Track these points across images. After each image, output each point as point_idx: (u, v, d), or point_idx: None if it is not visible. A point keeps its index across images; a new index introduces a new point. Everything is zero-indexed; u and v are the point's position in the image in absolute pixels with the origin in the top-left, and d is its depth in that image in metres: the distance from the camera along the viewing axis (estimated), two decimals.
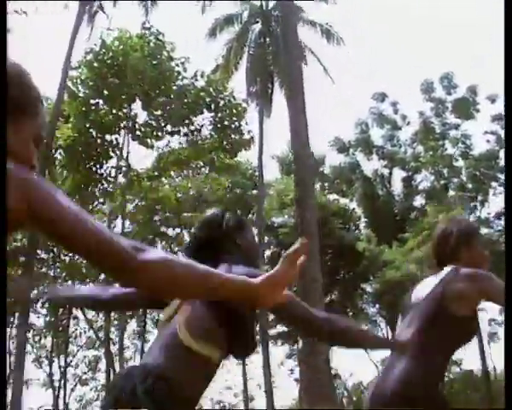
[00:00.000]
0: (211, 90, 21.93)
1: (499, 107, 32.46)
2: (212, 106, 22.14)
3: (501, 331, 32.94)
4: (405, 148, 33.80)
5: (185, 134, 23.69)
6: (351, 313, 31.12)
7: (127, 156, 25.29)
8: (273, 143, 64.78)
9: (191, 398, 2.70)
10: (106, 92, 22.66)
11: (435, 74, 34.07)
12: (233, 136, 22.71)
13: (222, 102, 22.16)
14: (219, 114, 22.29)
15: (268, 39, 28.78)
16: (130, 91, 21.87)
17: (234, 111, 22.34)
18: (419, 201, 33.38)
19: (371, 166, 33.85)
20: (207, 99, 21.99)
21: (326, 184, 36.10)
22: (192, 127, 23.10)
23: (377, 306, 31.64)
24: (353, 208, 34.44)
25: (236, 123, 22.72)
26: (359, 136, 33.11)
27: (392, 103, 33.35)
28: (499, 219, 32.14)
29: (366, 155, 33.32)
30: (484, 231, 31.89)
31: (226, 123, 22.38)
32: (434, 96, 33.01)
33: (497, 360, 33.88)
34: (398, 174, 33.90)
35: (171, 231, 29.37)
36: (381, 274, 26.87)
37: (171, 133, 23.92)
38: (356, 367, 39.95)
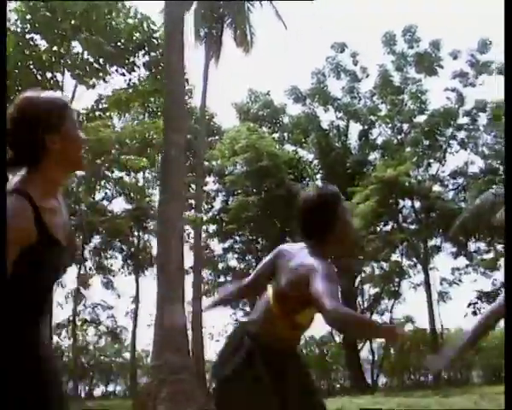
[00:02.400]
0: (144, 28, 21.10)
1: (461, 63, 31.89)
2: (146, 45, 21.37)
3: (452, 291, 32.72)
4: (364, 101, 33.07)
5: (122, 74, 22.95)
6: None
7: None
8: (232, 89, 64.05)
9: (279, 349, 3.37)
10: (37, 26, 21.83)
11: (398, 27, 33.16)
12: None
13: (156, 42, 21.34)
14: (152, 54, 21.55)
15: None
16: (60, 26, 21.05)
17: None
18: (375, 155, 32.79)
19: (328, 117, 33.22)
20: (139, 37, 21.21)
21: (285, 134, 35.55)
22: (127, 68, 22.35)
23: None
24: (308, 160, 33.98)
25: None
26: (316, 86, 32.30)
27: (352, 54, 32.48)
28: (454, 178, 31.73)
29: (323, 105, 32.57)
30: (438, 189, 31.56)
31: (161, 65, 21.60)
32: (396, 50, 32.22)
33: (446, 320, 33.91)
34: (356, 127, 33.27)
35: (114, 175, 28.90)
36: None
37: (107, 73, 23.19)
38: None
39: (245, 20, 27.82)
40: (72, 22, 21.56)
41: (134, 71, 23.15)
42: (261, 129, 33.35)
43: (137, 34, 21.43)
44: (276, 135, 35.16)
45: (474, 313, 30.45)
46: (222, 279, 33.54)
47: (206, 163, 32.32)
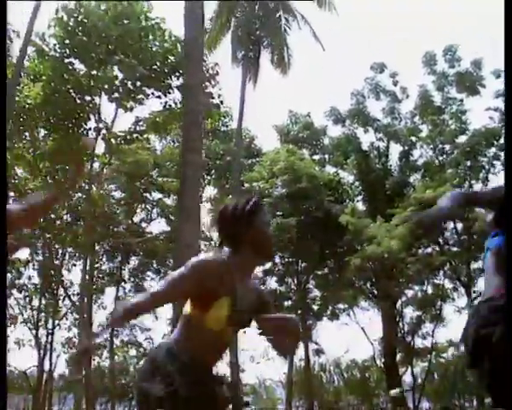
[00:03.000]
0: (178, 50, 21.23)
1: (502, 83, 31.33)
2: (180, 68, 21.49)
3: None
4: (405, 121, 32.74)
5: (158, 97, 23.15)
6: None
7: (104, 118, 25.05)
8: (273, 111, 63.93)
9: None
10: (76, 51, 22.18)
11: (438, 47, 32.82)
12: (205, 99, 22.06)
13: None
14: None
15: (258, 4, 28.02)
16: (96, 50, 21.35)
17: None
18: (415, 177, 32.38)
19: (368, 138, 32.97)
20: (173, 60, 21.36)
21: (326, 156, 35.38)
22: (163, 90, 22.54)
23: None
24: (349, 181, 33.76)
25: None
26: (355, 107, 32.10)
27: (392, 74, 32.23)
28: None
29: (362, 127, 32.35)
30: (480, 210, 30.93)
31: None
32: (436, 70, 31.86)
33: None
34: (396, 148, 32.93)
35: (152, 196, 29.08)
36: (361, 249, 26.13)
37: (144, 95, 23.42)
38: (352, 344, 39.32)
39: (282, 42, 27.85)
40: (108, 46, 21.83)
41: (169, 93, 23.31)
42: (301, 151, 33.33)
43: (172, 57, 21.59)
44: (316, 157, 35.09)
45: None
46: None
47: (247, 185, 32.39)
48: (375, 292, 31.46)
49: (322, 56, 72.31)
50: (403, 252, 25.97)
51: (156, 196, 29.44)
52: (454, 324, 32.21)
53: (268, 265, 32.97)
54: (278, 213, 30.73)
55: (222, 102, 22.66)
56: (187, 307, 3.33)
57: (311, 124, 34.79)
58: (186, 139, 15.69)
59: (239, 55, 27.80)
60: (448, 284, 32.09)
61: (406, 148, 32.44)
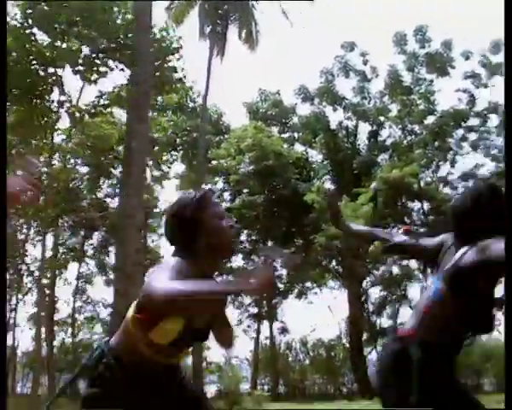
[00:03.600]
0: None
1: (473, 64, 31.36)
2: None
3: None
4: (374, 101, 32.57)
5: (122, 70, 22.67)
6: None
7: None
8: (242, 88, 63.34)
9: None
10: (38, 21, 21.64)
11: (409, 27, 32.65)
12: (167, 73, 21.67)
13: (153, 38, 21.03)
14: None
15: None
16: (58, 20, 20.84)
17: (165, 47, 21.24)
18: (384, 157, 32.27)
19: (337, 117, 32.79)
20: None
21: (295, 134, 35.15)
22: (126, 63, 22.05)
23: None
24: (317, 160, 33.61)
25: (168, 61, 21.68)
26: (324, 85, 31.87)
27: (362, 54, 32.02)
28: (464, 180, 31.10)
29: (331, 105, 32.14)
30: (447, 191, 31.00)
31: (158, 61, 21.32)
32: (407, 50, 31.72)
33: None
34: (366, 128, 32.80)
35: (117, 171, 28.70)
36: (326, 228, 25.98)
37: (110, 68, 22.92)
38: (319, 323, 39.41)
39: (250, 17, 27.49)
40: (71, 17, 21.33)
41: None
42: (270, 129, 33.08)
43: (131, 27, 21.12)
44: (285, 135, 34.83)
45: None
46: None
47: (214, 162, 32.14)
48: (342, 271, 31.42)
49: (292, 34, 71.89)
50: None
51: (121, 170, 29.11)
52: None
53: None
54: (245, 190, 30.56)
55: (185, 76, 22.23)
56: (129, 312, 2.97)
57: (280, 102, 34.49)
58: (133, 108, 15.35)
59: (206, 30, 27.39)
60: (414, 265, 32.23)
61: (375, 127, 32.35)
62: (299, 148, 34.07)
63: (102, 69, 23.54)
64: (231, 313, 33.39)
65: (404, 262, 31.24)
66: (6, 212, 2.11)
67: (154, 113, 28.78)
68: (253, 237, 32.21)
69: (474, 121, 31.02)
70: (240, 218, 29.15)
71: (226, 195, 32.53)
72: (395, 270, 31.75)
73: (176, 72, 22.24)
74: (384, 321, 32.32)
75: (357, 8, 68.80)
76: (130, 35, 21.07)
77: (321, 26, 63.88)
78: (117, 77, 24.05)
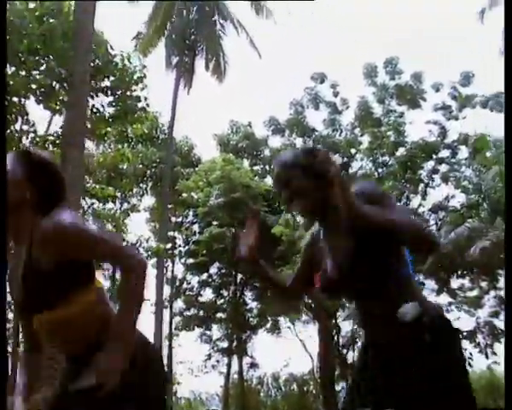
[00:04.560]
0: (101, 51, 20.48)
1: (443, 96, 31.31)
2: (105, 70, 20.76)
3: None
4: (346, 133, 32.39)
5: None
6: None
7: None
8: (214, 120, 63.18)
9: None
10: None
11: (379, 58, 32.63)
12: (129, 102, 21.33)
13: (115, 66, 20.71)
14: (111, 78, 20.92)
15: (193, 8, 27.45)
16: (19, 49, 20.48)
17: (127, 76, 20.91)
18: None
19: None
20: (99, 61, 20.59)
21: (267, 167, 34.85)
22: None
23: None
24: None
25: (132, 90, 21.36)
26: (294, 117, 31.66)
27: (332, 85, 31.87)
28: (435, 212, 30.94)
29: (301, 137, 31.92)
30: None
31: (121, 90, 21.00)
32: (377, 81, 31.65)
33: None
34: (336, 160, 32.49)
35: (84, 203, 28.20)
36: (293, 260, 25.64)
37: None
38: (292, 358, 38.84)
39: (217, 48, 27.34)
40: (32, 45, 20.99)
41: (97, 96, 22.49)
42: (242, 161, 32.78)
43: (97, 58, 20.82)
44: (257, 167, 34.54)
45: None
46: (201, 314, 32.83)
47: (185, 195, 31.78)
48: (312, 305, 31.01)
49: (264, 65, 71.94)
50: None
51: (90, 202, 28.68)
52: None
53: (204, 276, 32.34)
54: (214, 222, 30.20)
55: (148, 104, 21.90)
56: None
57: (251, 134, 34.19)
58: (67, 133, 14.93)
59: (174, 61, 27.19)
60: None
61: (346, 159, 32.09)
62: (270, 181, 33.76)
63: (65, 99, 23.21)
64: (200, 348, 32.94)
65: None
66: (6, 214, 2.17)
67: (122, 144, 28.53)
68: (223, 271, 31.76)
69: (444, 153, 30.92)
70: (208, 250, 28.78)
71: (195, 227, 32.13)
72: None
73: (139, 101, 21.91)
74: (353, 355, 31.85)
75: (327, 40, 69.11)
76: (94, 62, 20.76)
77: (291, 57, 64.20)
78: None
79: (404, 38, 60.27)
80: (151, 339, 2.91)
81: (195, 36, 27.09)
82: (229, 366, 33.41)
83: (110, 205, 30.32)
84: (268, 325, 33.85)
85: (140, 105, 21.85)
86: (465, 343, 29.75)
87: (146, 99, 21.67)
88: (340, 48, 66.13)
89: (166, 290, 32.53)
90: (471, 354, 29.61)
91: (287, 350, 46.54)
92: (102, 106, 22.75)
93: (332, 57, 60.07)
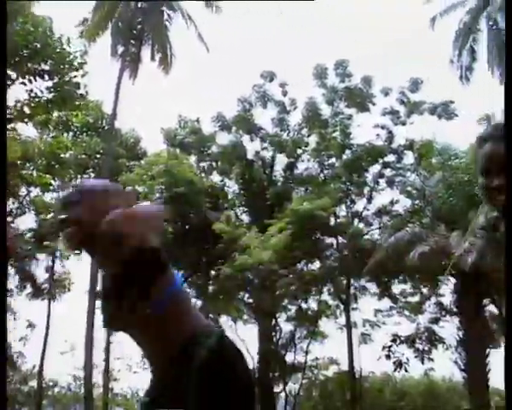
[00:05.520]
0: (39, 32, 19.87)
1: (391, 101, 31.27)
2: (43, 52, 20.14)
3: (374, 333, 31.66)
4: (294, 133, 32.16)
5: (22, 83, 21.67)
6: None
7: None
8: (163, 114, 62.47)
9: None
10: None
11: (330, 60, 32.39)
12: (67, 88, 20.73)
13: (53, 48, 20.09)
14: (50, 62, 20.29)
15: None
16: None
17: (66, 61, 20.34)
18: (300, 190, 31.77)
19: (255, 147, 32.22)
20: (34, 44, 19.97)
21: (213, 163, 34.42)
22: (27, 76, 21.09)
23: None
24: (235, 190, 32.96)
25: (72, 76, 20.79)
26: (241, 114, 31.31)
27: (281, 84, 31.60)
28: (379, 216, 30.88)
29: (248, 134, 31.58)
30: (361, 226, 30.76)
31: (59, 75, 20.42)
32: (327, 83, 31.46)
33: (367, 363, 32.89)
34: (283, 159, 32.30)
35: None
36: (231, 259, 25.31)
37: (11, 80, 21.87)
38: None
39: (164, 38, 26.81)
40: None
41: (35, 80, 21.84)
42: (188, 156, 32.26)
43: (34, 40, 20.20)
44: (205, 164, 34.05)
45: (388, 357, 29.58)
46: None
47: (128, 187, 31.14)
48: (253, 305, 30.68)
49: (213, 60, 71.39)
50: (276, 264, 25.19)
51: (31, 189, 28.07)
52: (338, 341, 31.87)
53: None
54: None
55: (87, 92, 21.37)
56: None
57: (198, 129, 33.66)
58: None
59: (119, 50, 26.60)
60: (331, 301, 31.87)
61: (292, 160, 31.87)
62: (216, 177, 33.38)
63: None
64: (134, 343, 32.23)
65: (315, 297, 30.90)
66: (6, 218, 1.93)
67: (67, 132, 27.88)
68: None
69: (390, 158, 30.88)
70: None
71: None
72: (307, 305, 31.33)
73: (78, 88, 21.33)
74: (299, 356, 31.68)
75: (279, 38, 68.88)
76: (31, 44, 20.18)
77: (242, 54, 63.92)
78: (18, 91, 22.94)
79: (357, 39, 60.41)
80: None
81: (142, 25, 26.60)
82: None
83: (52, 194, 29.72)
84: None
85: (80, 92, 21.24)
86: (403, 348, 29.85)
87: (85, 86, 21.09)
88: (291, 47, 65.76)
89: None
90: (408, 359, 29.69)
91: None
92: (41, 91, 22.14)
93: (283, 56, 59.84)
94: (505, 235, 2.36)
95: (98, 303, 27.47)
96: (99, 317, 28.76)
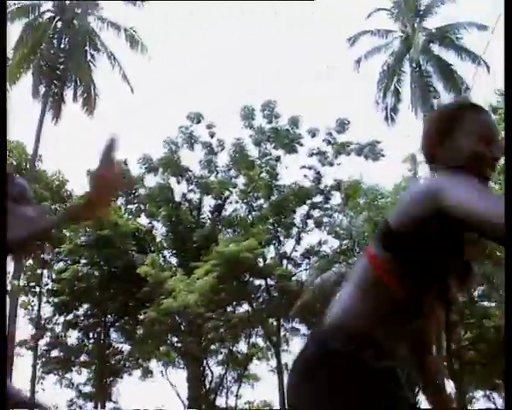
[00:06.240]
0: None
1: (318, 141, 31.39)
2: None
3: None
4: (222, 174, 31.98)
5: None
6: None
7: None
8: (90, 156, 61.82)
9: None
10: None
11: (257, 101, 32.42)
12: None
13: None
14: None
15: (65, 36, 26.49)
16: None
17: None
18: (228, 231, 31.50)
19: (182, 189, 31.92)
20: None
21: (141, 206, 33.93)
22: None
23: None
24: (163, 233, 32.50)
25: None
26: (168, 155, 31.02)
27: (208, 125, 31.48)
28: (307, 257, 30.77)
29: (174, 176, 31.27)
30: (290, 267, 30.64)
31: None
32: (254, 124, 31.46)
33: None
34: (211, 201, 32.10)
35: None
36: (157, 302, 24.82)
37: None
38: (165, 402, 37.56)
39: (88, 79, 26.41)
40: None
41: None
42: (116, 199, 31.73)
43: None
44: (132, 206, 33.55)
45: None
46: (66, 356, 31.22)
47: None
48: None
49: (139, 101, 70.94)
50: (202, 308, 24.81)
51: None
52: (269, 383, 31.52)
53: (70, 316, 30.82)
54: (83, 260, 29.11)
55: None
56: None
57: (125, 171, 33.18)
58: None
59: (42, 90, 26.06)
60: (262, 343, 31.58)
61: (220, 201, 31.68)
62: (144, 220, 32.88)
63: None
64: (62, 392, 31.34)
65: (254, 340, 30.67)
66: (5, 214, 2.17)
67: None
68: (88, 312, 30.41)
69: (318, 198, 30.94)
70: (71, 290, 27.65)
71: (61, 264, 30.68)
72: (239, 348, 31.00)
73: None
74: (224, 401, 31.13)
75: (204, 79, 68.97)
76: None
77: (166, 95, 63.89)
78: None
79: (282, 81, 60.91)
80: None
81: (66, 65, 26.16)
82: None
83: None
84: (139, 370, 32.59)
85: None
86: None
87: None
88: (219, 88, 65.94)
89: (31, 331, 31.06)
90: None
91: (159, 395, 45.25)
92: None
93: (210, 97, 59.78)
94: (505, 235, 2.24)
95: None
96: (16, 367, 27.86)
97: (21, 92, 29.97)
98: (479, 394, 31.89)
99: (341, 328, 2.16)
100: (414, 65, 29.84)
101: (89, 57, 26.46)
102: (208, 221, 31.90)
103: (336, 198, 30.83)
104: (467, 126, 2.26)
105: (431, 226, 2.03)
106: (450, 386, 28.19)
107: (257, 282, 29.70)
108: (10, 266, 26.75)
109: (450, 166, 2.22)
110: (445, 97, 28.77)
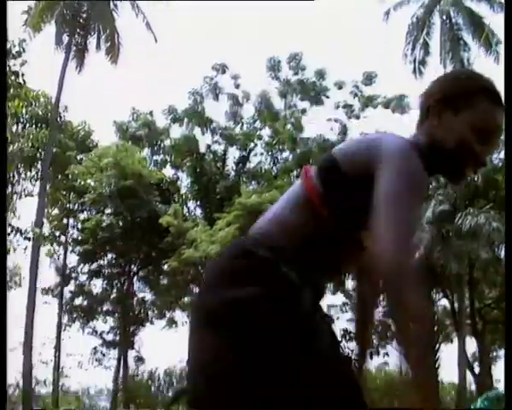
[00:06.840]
0: None
1: (345, 94, 31.07)
2: None
3: None
4: (247, 126, 31.82)
5: None
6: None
7: None
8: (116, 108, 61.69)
9: None
10: None
11: (283, 53, 32.06)
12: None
13: None
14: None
15: None
16: None
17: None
18: (252, 183, 31.43)
19: (207, 140, 31.81)
20: None
21: (167, 157, 33.91)
22: None
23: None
24: (188, 183, 32.53)
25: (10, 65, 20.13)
26: (192, 106, 30.86)
27: (234, 76, 31.21)
28: None
29: (199, 127, 31.13)
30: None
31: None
32: (280, 76, 31.20)
33: None
34: (235, 152, 32.00)
35: None
36: (178, 252, 24.90)
37: None
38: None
39: (112, 27, 26.24)
40: None
41: None
42: (140, 149, 31.74)
43: None
44: (158, 157, 33.53)
45: None
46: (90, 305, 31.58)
47: (79, 180, 30.57)
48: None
49: (165, 51, 70.35)
50: None
51: None
52: None
53: (94, 265, 31.10)
54: (107, 210, 29.33)
55: (25, 81, 20.69)
56: None
57: (151, 122, 33.08)
58: None
59: (65, 40, 25.99)
60: None
61: (244, 153, 31.55)
62: (169, 171, 32.89)
63: None
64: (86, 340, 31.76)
65: None
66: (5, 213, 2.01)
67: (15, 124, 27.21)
68: (112, 261, 30.69)
69: None
70: (95, 240, 27.87)
71: (85, 214, 30.88)
72: None
73: (17, 76, 20.65)
74: None
75: (231, 30, 68.28)
76: None
77: (193, 46, 63.15)
78: None
79: (308, 33, 59.96)
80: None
81: (89, 14, 26.04)
82: (118, 360, 32.26)
83: None
84: (163, 320, 32.88)
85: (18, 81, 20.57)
86: (353, 345, 29.54)
87: (23, 75, 20.43)
88: (244, 40, 65.34)
89: (56, 279, 31.45)
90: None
91: (183, 345, 45.69)
92: None
93: (235, 48, 59.11)
94: (506, 234, 2.14)
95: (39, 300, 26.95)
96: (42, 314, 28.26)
97: (44, 42, 29.97)
98: (502, 352, 31.62)
99: (263, 236, 2.04)
100: (444, 17, 29.14)
101: (112, 6, 26.34)
102: (232, 173, 31.82)
103: None
104: (474, 110, 2.05)
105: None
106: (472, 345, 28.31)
107: None
108: (32, 215, 27.05)
109: (435, 140, 2.07)
110: (475, 51, 28.17)
